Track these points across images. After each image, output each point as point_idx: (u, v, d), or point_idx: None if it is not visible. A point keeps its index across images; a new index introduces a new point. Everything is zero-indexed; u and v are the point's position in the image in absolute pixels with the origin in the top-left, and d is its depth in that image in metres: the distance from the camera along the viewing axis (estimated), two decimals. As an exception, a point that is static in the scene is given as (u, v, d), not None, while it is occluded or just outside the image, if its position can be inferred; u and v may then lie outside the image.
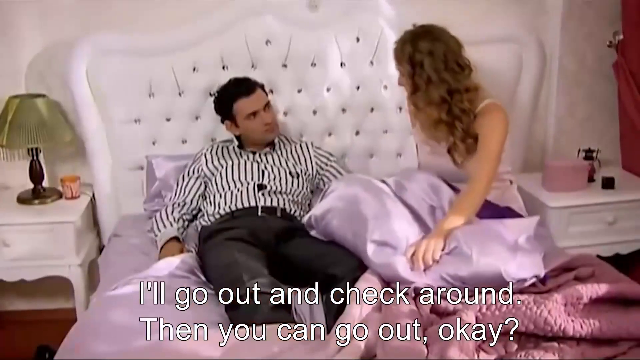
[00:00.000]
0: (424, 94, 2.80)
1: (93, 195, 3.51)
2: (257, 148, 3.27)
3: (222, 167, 3.22)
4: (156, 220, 3.10)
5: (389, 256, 2.51)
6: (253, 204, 3.06)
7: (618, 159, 3.78)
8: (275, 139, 3.29)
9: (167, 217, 3.10)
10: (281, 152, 3.29)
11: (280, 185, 3.14)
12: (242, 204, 3.06)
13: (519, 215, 2.90)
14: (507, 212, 2.87)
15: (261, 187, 3.12)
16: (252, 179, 3.15)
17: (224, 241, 2.78)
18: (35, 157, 3.39)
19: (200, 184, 3.23)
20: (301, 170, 3.25)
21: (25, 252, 3.22)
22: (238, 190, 3.11)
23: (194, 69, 3.37)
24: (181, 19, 3.35)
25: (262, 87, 3.25)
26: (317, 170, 3.31)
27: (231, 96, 3.20)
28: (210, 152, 3.29)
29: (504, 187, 2.99)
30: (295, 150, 3.32)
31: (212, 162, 3.25)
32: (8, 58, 3.44)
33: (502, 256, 2.43)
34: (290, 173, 3.21)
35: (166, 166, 3.37)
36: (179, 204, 3.17)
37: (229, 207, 3.06)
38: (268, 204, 3.06)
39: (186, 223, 3.15)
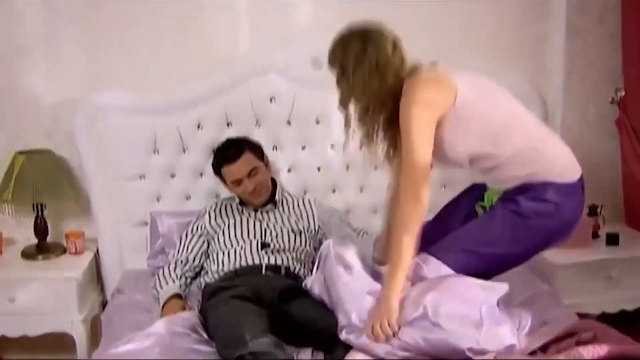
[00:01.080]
0: (351, 99, 2.61)
1: (97, 250, 3.51)
2: (258, 205, 3.28)
3: (225, 224, 3.22)
4: (159, 277, 3.10)
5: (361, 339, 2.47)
6: (257, 262, 3.05)
7: (621, 214, 3.78)
8: (277, 195, 3.30)
9: (170, 275, 3.09)
10: (283, 209, 3.29)
11: (283, 242, 3.14)
12: (246, 262, 3.05)
13: (561, 186, 2.59)
14: (547, 191, 2.58)
15: (264, 245, 3.11)
16: (254, 237, 3.15)
17: (227, 299, 2.77)
18: (40, 213, 3.42)
19: (203, 241, 3.23)
20: (304, 227, 3.25)
21: (29, 307, 3.22)
22: (241, 248, 3.11)
23: (198, 126, 3.41)
24: (186, 77, 3.40)
25: (253, 148, 3.23)
26: (319, 226, 3.30)
27: (219, 161, 3.22)
28: (214, 210, 3.30)
29: (526, 158, 2.60)
30: (298, 207, 3.32)
31: (215, 220, 3.26)
32: (15, 114, 3.49)
33: (468, 329, 2.36)
34: (292, 230, 3.21)
35: (170, 223, 3.38)
36: (181, 262, 3.17)
37: (233, 266, 3.05)
38: (272, 262, 3.05)
39: (189, 280, 3.14)
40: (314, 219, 3.30)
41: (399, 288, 2.47)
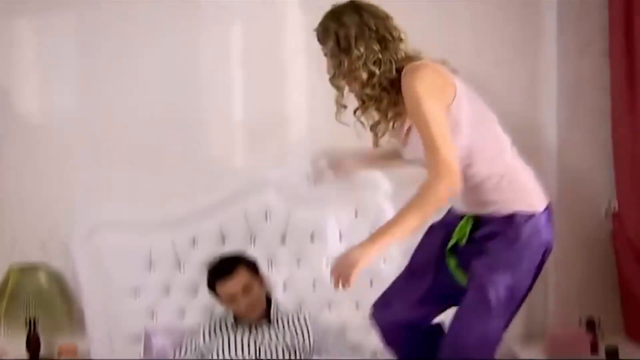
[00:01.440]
0: (349, 72, 2.45)
1: (90, 365, 3.47)
2: (253, 322, 3.25)
3: (219, 341, 3.18)
4: (151, 397, 3.06)
5: None
6: (250, 382, 3.02)
7: (619, 323, 3.74)
8: (272, 312, 3.26)
9: (163, 394, 3.05)
10: (278, 326, 3.25)
11: (278, 361, 3.11)
12: (239, 384, 3.01)
13: (531, 217, 2.47)
14: (519, 230, 2.45)
15: (258, 364, 3.09)
16: (248, 355, 3.11)
17: None
18: (32, 328, 3.39)
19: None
20: (298, 344, 3.21)
21: None
22: (235, 366, 3.07)
23: (193, 243, 3.42)
24: (181, 193, 3.45)
25: (248, 264, 3.23)
26: (314, 342, 3.27)
27: (212, 277, 3.22)
28: (208, 327, 3.26)
29: (498, 183, 2.48)
30: (293, 323, 3.28)
31: (209, 337, 3.22)
32: (11, 226, 3.51)
33: None
34: (287, 348, 3.17)
35: (164, 339, 3.33)
36: (175, 381, 3.13)
37: (226, 389, 3.02)
38: (266, 382, 3.01)
39: (182, 401, 3.10)
40: (309, 336, 3.26)
41: (381, 247, 2.33)
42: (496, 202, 2.49)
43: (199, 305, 3.45)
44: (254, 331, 3.22)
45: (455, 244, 2.58)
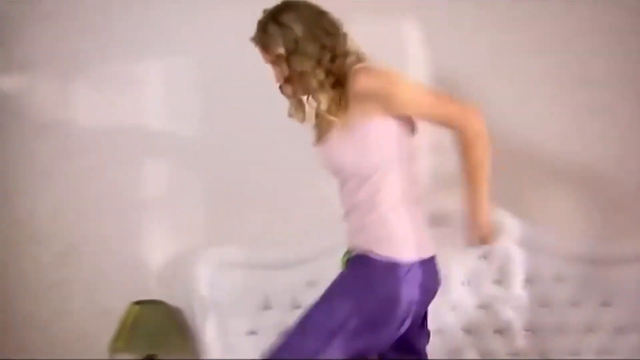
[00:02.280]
0: (311, 72, 2.37)
1: (207, 405, 3.46)
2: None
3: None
4: None
5: None
6: None
7: None
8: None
9: None
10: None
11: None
12: None
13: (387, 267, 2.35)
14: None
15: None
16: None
17: None
18: (152, 363, 3.43)
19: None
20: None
21: None
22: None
23: (310, 284, 3.37)
24: (300, 235, 3.42)
25: None
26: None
27: None
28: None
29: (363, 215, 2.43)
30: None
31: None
32: (134, 265, 3.60)
33: None
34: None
35: (281, 381, 3.28)
36: None
37: None
38: None
39: None
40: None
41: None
42: (371, 240, 2.40)
43: (315, 348, 3.39)
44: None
45: None
